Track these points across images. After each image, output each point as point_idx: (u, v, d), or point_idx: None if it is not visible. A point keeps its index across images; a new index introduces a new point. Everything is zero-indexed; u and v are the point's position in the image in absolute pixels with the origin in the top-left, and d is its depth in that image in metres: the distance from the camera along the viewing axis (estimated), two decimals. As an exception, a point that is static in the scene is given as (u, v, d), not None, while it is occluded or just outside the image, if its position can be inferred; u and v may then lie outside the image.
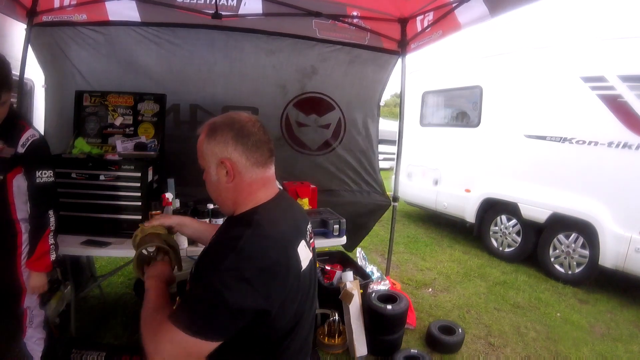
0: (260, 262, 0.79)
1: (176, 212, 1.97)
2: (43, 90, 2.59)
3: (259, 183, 0.94)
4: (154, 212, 1.92)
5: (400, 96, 3.08)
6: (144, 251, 1.11)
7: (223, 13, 2.47)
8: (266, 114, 2.90)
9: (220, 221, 1.96)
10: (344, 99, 3.06)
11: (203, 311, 0.77)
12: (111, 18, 2.44)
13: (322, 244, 2.19)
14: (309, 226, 1.05)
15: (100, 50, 2.51)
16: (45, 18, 2.39)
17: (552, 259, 3.82)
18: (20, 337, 1.64)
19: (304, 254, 0.92)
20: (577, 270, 3.61)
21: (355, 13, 2.69)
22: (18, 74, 2.38)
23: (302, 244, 0.92)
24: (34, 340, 1.67)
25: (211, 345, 0.77)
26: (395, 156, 3.25)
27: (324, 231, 2.18)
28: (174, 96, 2.59)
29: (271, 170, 0.98)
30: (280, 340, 0.89)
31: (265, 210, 0.92)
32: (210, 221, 1.98)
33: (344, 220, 2.20)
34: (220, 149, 0.90)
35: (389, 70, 3.03)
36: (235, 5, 2.52)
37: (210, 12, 2.44)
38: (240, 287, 0.76)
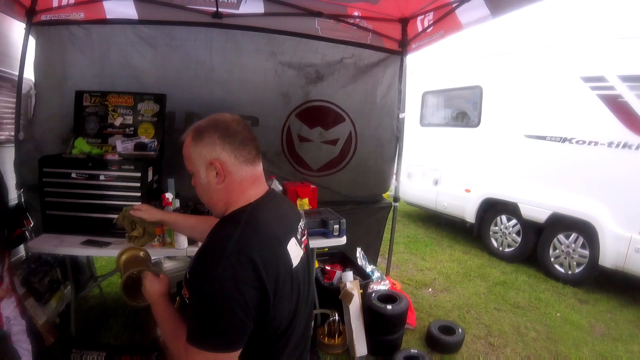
0: (250, 261, 0.79)
1: (176, 212, 1.97)
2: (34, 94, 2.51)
3: (248, 181, 0.94)
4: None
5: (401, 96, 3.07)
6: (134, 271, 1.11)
7: (223, 11, 2.46)
8: (267, 124, 2.71)
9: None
10: (355, 109, 2.82)
11: (217, 325, 0.78)
12: (108, 16, 2.42)
13: (322, 244, 2.18)
14: (302, 223, 1.05)
15: (95, 52, 2.45)
16: (43, 17, 2.38)
17: (552, 259, 3.82)
18: (9, 337, 1.63)
19: (295, 251, 0.92)
20: (577, 270, 3.61)
21: (356, 13, 2.68)
22: (17, 73, 2.38)
23: (293, 241, 0.93)
24: (20, 344, 1.66)
25: (237, 352, 0.81)
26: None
27: (324, 231, 2.17)
28: (169, 103, 2.43)
29: (259, 168, 0.98)
30: (279, 338, 0.90)
31: (253, 208, 0.92)
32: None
33: (344, 220, 2.20)
34: (209, 150, 0.90)
35: (395, 72, 2.92)
36: (235, 3, 2.49)
37: (211, 9, 2.43)
38: (240, 291, 0.77)
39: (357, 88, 2.85)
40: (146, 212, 1.40)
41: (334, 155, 2.86)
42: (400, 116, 2.99)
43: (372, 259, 3.17)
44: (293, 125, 2.78)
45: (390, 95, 2.97)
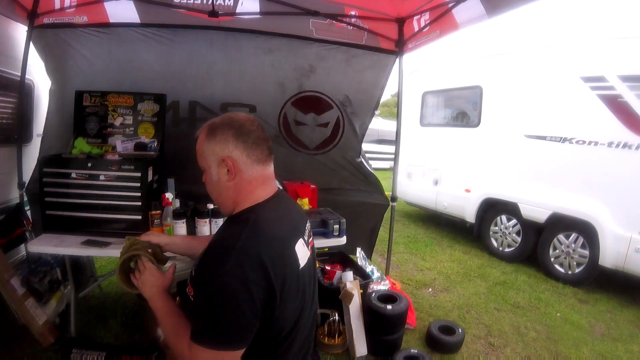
0: (258, 261, 0.80)
1: (176, 212, 1.97)
2: (48, 92, 2.59)
3: (258, 181, 0.95)
4: (154, 212, 1.93)
5: (398, 96, 3.08)
6: (132, 264, 1.08)
7: (220, 12, 2.47)
8: (265, 111, 2.92)
9: (220, 221, 1.96)
10: (342, 99, 3.06)
11: (222, 324, 0.78)
12: (111, 20, 2.46)
13: (322, 244, 2.19)
14: (308, 225, 1.06)
15: (100, 49, 2.52)
16: (46, 20, 2.39)
17: (552, 259, 3.82)
18: None
19: (302, 252, 0.92)
20: (577, 270, 3.60)
21: (353, 12, 2.70)
22: (19, 74, 2.39)
23: (300, 242, 0.93)
24: None
25: (241, 351, 0.81)
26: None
27: (324, 231, 2.17)
28: (173, 94, 2.60)
29: (270, 168, 0.98)
30: (283, 340, 0.90)
31: (262, 209, 0.92)
32: (210, 221, 1.99)
33: (344, 220, 2.20)
34: (221, 147, 0.91)
35: (386, 71, 3.00)
36: (232, 5, 2.53)
37: (207, 11, 2.45)
38: (247, 290, 0.77)
39: (344, 81, 3.02)
40: (148, 236, 1.18)
41: (326, 135, 3.10)
42: (376, 112, 3.22)
43: (367, 256, 3.20)
44: (289, 111, 3.00)
45: (371, 93, 3.10)
